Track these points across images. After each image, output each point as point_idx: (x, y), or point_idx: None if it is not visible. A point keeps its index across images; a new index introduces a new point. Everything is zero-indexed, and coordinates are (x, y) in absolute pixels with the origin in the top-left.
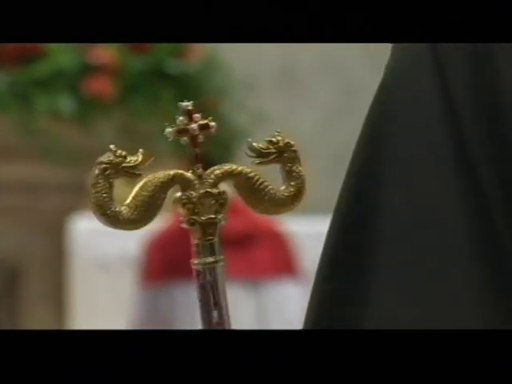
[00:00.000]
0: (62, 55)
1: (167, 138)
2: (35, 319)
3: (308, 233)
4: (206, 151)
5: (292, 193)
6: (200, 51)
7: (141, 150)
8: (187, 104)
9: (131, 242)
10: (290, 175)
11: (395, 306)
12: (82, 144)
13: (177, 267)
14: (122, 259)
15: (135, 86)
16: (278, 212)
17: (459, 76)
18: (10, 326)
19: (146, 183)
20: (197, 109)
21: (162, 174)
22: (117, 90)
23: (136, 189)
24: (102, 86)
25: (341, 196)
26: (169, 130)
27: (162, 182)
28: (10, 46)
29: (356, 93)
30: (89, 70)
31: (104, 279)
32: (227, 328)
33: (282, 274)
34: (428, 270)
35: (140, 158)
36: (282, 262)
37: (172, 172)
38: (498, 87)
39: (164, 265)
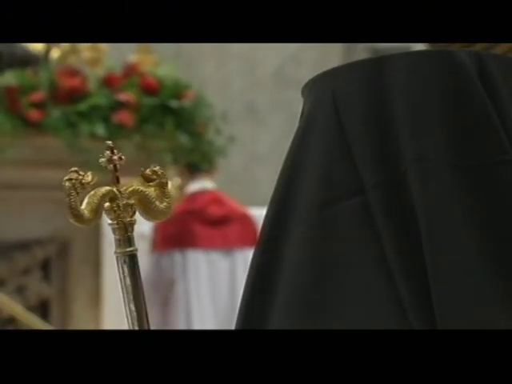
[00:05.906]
0: (99, 96)
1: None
2: (78, 276)
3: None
4: (195, 162)
5: (166, 206)
6: (192, 93)
7: (90, 172)
8: (109, 142)
9: (146, 223)
10: (163, 194)
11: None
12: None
13: (175, 240)
14: (139, 234)
15: (148, 117)
16: (160, 219)
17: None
18: (61, 281)
19: (93, 194)
20: (115, 145)
21: (102, 189)
22: (135, 120)
23: (86, 199)
24: (125, 117)
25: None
26: (102, 159)
27: (103, 194)
28: (64, 90)
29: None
30: (116, 106)
31: None
32: (141, 296)
33: (249, 244)
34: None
35: (91, 177)
36: (249, 236)
37: (108, 188)
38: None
39: (166, 238)
